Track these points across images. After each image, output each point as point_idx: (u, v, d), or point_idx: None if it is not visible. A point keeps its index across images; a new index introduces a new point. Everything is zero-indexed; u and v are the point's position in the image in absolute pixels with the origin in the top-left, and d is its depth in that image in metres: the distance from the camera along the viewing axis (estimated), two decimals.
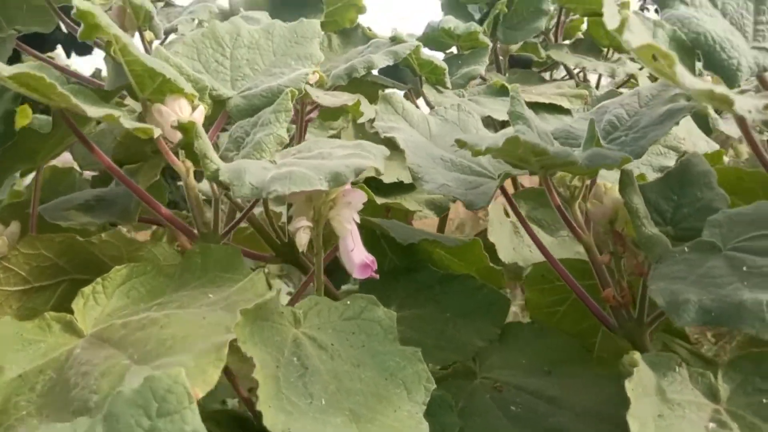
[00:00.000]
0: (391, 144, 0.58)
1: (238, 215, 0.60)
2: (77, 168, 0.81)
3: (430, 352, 0.57)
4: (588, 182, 0.55)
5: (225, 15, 0.89)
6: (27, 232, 0.57)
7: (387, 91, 0.64)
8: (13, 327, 0.43)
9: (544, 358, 0.61)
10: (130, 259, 0.51)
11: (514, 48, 1.18)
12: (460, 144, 0.49)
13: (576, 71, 1.21)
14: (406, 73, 0.98)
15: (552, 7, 1.01)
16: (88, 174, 0.85)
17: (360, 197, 0.54)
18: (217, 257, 0.49)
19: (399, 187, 0.76)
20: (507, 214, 0.84)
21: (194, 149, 0.49)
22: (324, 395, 0.38)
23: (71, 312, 0.56)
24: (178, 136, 0.49)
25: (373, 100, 0.82)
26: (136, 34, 0.77)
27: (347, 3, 0.99)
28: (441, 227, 0.96)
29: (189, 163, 0.53)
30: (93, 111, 0.37)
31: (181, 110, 0.50)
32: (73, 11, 0.45)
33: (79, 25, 0.48)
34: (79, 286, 0.55)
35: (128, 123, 0.41)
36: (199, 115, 0.51)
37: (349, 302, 0.48)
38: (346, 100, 0.62)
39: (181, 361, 0.34)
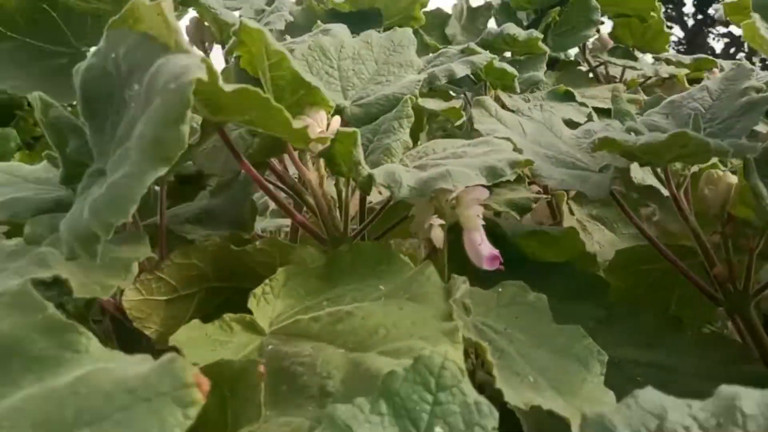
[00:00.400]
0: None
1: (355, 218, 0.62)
2: None
3: None
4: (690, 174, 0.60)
5: (291, 26, 0.92)
6: (156, 242, 0.59)
7: (479, 97, 0.68)
8: (200, 330, 0.45)
9: (642, 333, 0.66)
10: (282, 263, 0.53)
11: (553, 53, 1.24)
12: (605, 143, 0.53)
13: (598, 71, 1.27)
14: (465, 79, 1.02)
15: (599, 17, 1.07)
16: None
17: (483, 193, 0.58)
18: (367, 254, 0.51)
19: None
20: (572, 212, 0.89)
21: (342, 158, 0.51)
22: (527, 374, 0.41)
23: (211, 318, 0.59)
24: (320, 147, 0.52)
25: None
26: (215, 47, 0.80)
27: (405, 16, 1.03)
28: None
29: (322, 171, 0.56)
30: (297, 123, 0.40)
31: (322, 121, 0.52)
32: (233, 28, 0.48)
33: None
34: (215, 293, 0.58)
35: (313, 133, 0.44)
36: (337, 125, 0.54)
37: (500, 289, 0.51)
38: (453, 103, 0.65)
39: (416, 346, 0.36)
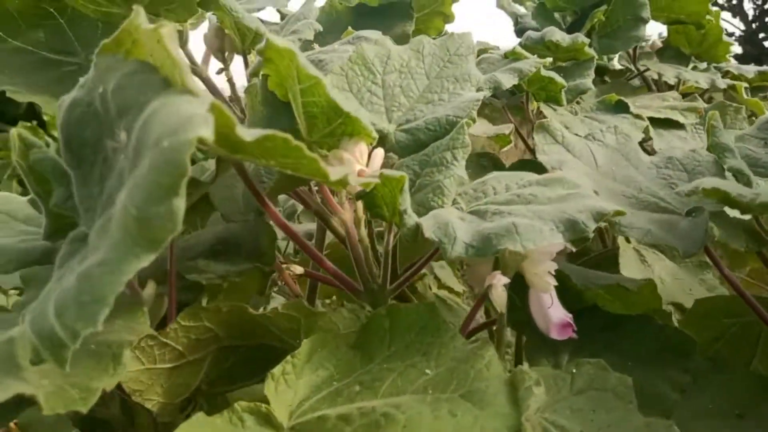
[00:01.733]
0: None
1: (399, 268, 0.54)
2: None
3: None
4: None
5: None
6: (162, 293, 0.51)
7: (543, 119, 0.58)
8: (205, 426, 0.37)
9: (732, 400, 0.56)
10: (308, 330, 0.44)
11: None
12: (715, 194, 0.43)
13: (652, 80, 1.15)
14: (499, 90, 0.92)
15: (649, 15, 0.94)
16: None
17: (559, 246, 0.48)
18: (409, 319, 0.42)
19: None
20: (627, 240, 0.78)
21: (383, 200, 0.43)
22: None
23: (220, 386, 0.50)
24: (359, 187, 0.43)
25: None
26: (236, 57, 0.71)
27: (434, 10, 0.93)
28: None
29: (360, 213, 0.47)
30: (335, 173, 0.31)
31: (361, 156, 0.43)
32: (259, 47, 0.39)
33: None
34: (226, 354, 0.49)
35: (354, 180, 0.35)
36: (379, 160, 0.45)
37: (574, 370, 0.42)
38: (503, 128, 0.55)
39: None
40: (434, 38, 0.58)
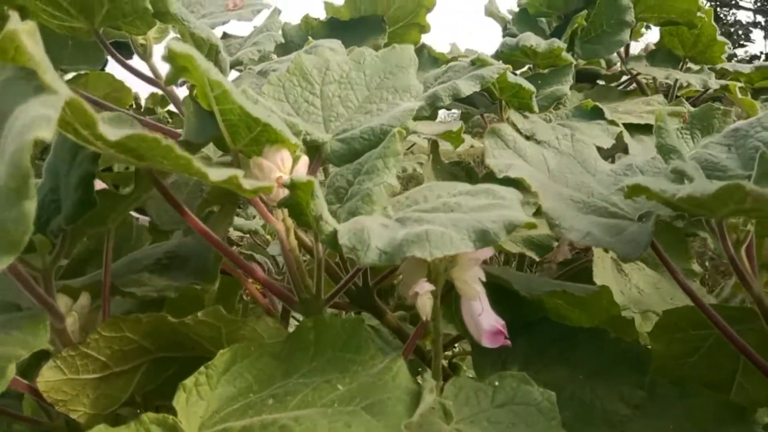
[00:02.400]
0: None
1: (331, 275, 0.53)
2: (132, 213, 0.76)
3: (572, 427, 0.50)
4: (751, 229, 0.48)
5: (285, 46, 0.83)
6: (97, 303, 0.51)
7: (495, 124, 0.57)
8: None
9: (694, 422, 0.54)
10: (230, 339, 0.44)
11: (581, 62, 1.11)
12: (636, 190, 0.42)
13: (645, 83, 1.13)
14: (478, 97, 0.91)
15: (633, 18, 0.93)
16: (143, 219, 0.79)
17: (487, 252, 0.47)
18: (334, 333, 0.41)
19: None
20: (605, 250, 0.76)
21: (303, 209, 0.42)
22: None
23: (154, 397, 0.50)
24: (280, 195, 0.43)
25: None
26: None
27: (409, 22, 0.93)
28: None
29: (289, 222, 0.47)
30: (215, 174, 0.31)
31: (283, 163, 0.43)
32: (163, 54, 0.39)
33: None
34: (161, 366, 0.49)
35: (248, 183, 0.34)
36: (303, 167, 0.45)
37: (497, 383, 0.40)
38: (450, 126, 0.55)
39: None
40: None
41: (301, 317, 0.52)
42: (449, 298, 0.59)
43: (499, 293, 0.64)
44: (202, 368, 0.40)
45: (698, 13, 1.00)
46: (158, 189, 0.42)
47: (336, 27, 0.87)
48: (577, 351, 0.55)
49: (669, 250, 0.74)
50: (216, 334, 0.44)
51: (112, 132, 0.28)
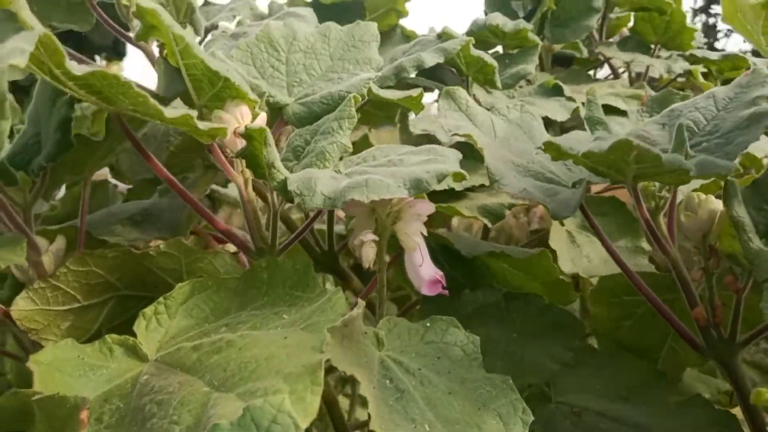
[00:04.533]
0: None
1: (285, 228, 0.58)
2: (111, 180, 0.80)
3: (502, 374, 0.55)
4: (671, 196, 0.53)
5: (264, 16, 0.87)
6: (72, 248, 0.55)
7: (450, 87, 0.62)
8: (74, 350, 0.41)
9: (619, 383, 0.59)
10: (189, 271, 0.49)
11: (558, 46, 1.15)
12: (549, 147, 0.47)
13: (621, 70, 1.18)
14: (447, 75, 0.95)
15: (602, 4, 0.98)
16: (122, 187, 0.84)
17: (428, 208, 0.52)
18: (285, 273, 0.46)
19: (448, 193, 0.74)
20: (561, 223, 0.82)
21: (258, 159, 0.47)
22: (425, 422, 0.35)
23: (121, 331, 0.55)
24: (238, 145, 0.48)
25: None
26: None
27: (388, 8, 0.98)
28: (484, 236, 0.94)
29: (248, 174, 0.51)
30: (169, 113, 0.35)
31: (242, 117, 0.48)
32: (132, 9, 0.44)
33: (120, 23, 0.46)
34: (128, 303, 0.54)
35: (202, 124, 0.39)
36: (262, 122, 0.49)
37: (428, 324, 0.46)
38: (411, 92, 0.59)
39: (272, 387, 0.31)
40: None
41: None
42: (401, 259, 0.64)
43: (451, 258, 0.69)
44: (161, 298, 0.45)
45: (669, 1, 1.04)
46: (128, 137, 0.46)
47: (318, 8, 0.91)
48: (513, 313, 0.61)
49: (620, 229, 0.80)
50: (177, 266, 0.48)
51: (77, 68, 0.32)
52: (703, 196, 0.49)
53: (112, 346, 0.42)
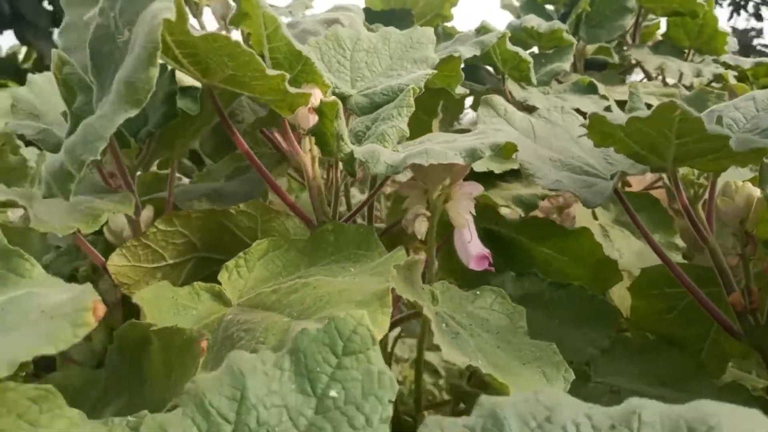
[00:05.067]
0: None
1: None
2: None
3: None
4: (709, 183, 0.56)
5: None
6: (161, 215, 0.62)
7: (487, 95, 0.67)
8: (169, 291, 0.47)
9: (656, 370, 0.61)
10: (264, 230, 0.54)
11: (590, 51, 1.18)
12: (594, 120, 0.50)
13: (654, 75, 1.19)
14: (484, 75, 1.00)
15: (635, 4, 1.02)
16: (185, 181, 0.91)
17: (477, 188, 0.57)
18: (350, 235, 0.51)
19: (483, 183, 0.77)
20: (595, 217, 0.84)
21: (327, 135, 0.53)
22: (478, 358, 0.39)
23: None
24: (310, 122, 0.53)
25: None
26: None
27: (435, 14, 1.04)
28: None
29: (315, 152, 0.57)
30: (270, 71, 0.41)
31: (315, 98, 0.54)
32: None
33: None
34: (206, 265, 0.59)
35: (292, 88, 0.45)
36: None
37: (478, 293, 0.50)
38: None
39: (348, 310, 0.36)
40: None
41: None
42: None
43: (494, 243, 0.73)
44: (241, 254, 0.50)
45: (699, 1, 1.04)
46: (218, 112, 0.53)
47: (369, 14, 0.98)
48: (555, 301, 0.64)
49: (655, 225, 0.82)
50: (253, 224, 0.54)
51: (194, 31, 0.39)
52: (740, 182, 0.52)
53: (200, 291, 0.48)
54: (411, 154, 0.47)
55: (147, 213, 0.60)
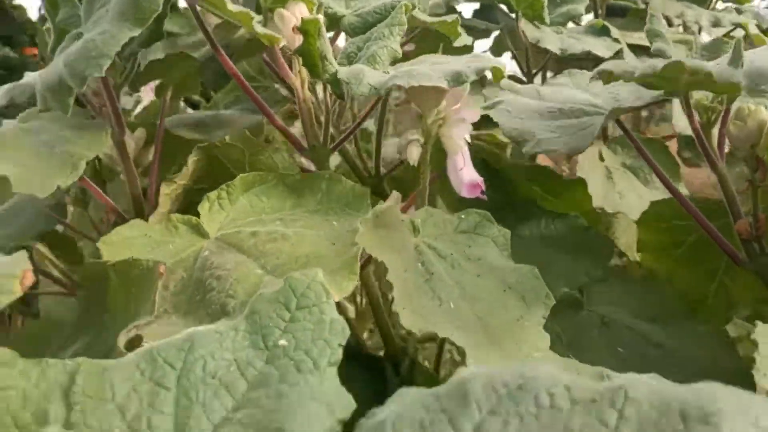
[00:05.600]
0: None
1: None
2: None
3: None
4: (723, 109, 0.51)
5: None
6: (151, 142, 0.60)
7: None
8: (141, 229, 0.45)
9: (650, 305, 0.58)
10: (252, 163, 0.51)
11: None
12: (603, 74, 0.46)
13: (677, 23, 1.11)
14: (498, 14, 0.93)
15: None
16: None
17: (473, 115, 0.52)
18: (342, 190, 0.47)
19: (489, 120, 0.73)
20: (601, 158, 0.80)
21: (312, 56, 0.49)
22: (451, 299, 0.37)
23: None
24: (296, 42, 0.49)
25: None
26: None
27: None
28: None
29: (304, 74, 0.53)
30: (232, 6, 0.38)
31: (301, 15, 0.50)
32: None
33: None
34: (191, 195, 0.58)
35: (259, 28, 0.41)
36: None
37: (463, 216, 0.47)
38: (447, 17, 0.59)
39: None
40: None
41: None
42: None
43: (491, 179, 0.69)
44: (224, 185, 0.48)
45: None
46: (205, 36, 0.49)
47: None
48: (551, 231, 0.61)
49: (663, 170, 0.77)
50: (241, 157, 0.51)
51: None
52: (753, 106, 0.47)
53: (177, 224, 0.45)
54: (395, 75, 0.43)
55: (139, 134, 0.57)
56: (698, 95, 0.49)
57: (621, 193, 0.72)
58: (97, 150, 0.44)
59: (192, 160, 0.51)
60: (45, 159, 0.42)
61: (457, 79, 0.40)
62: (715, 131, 0.50)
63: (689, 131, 0.66)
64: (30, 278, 0.26)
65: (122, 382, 0.26)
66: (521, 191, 0.66)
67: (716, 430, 0.17)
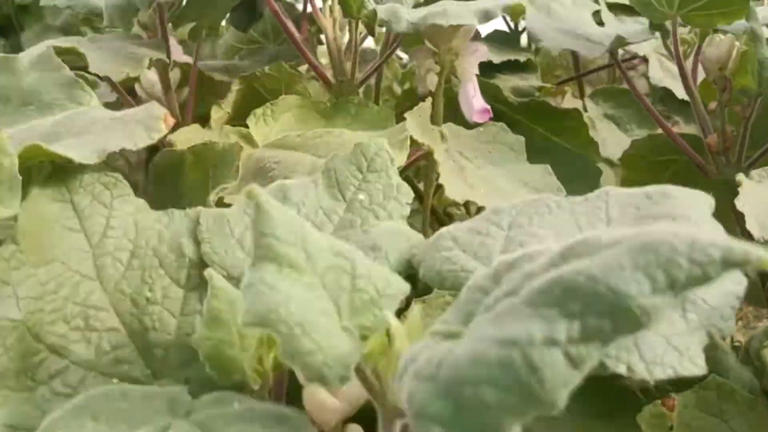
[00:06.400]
0: None
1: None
2: None
3: None
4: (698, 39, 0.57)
5: None
6: (185, 83, 0.64)
7: None
8: (198, 133, 0.50)
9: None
10: (288, 91, 0.56)
11: None
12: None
13: None
14: None
15: None
16: None
17: (483, 49, 0.58)
18: (370, 114, 0.53)
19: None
20: (585, 110, 0.85)
21: None
22: (482, 187, 0.43)
23: None
24: None
25: None
26: None
27: None
28: None
29: (337, 14, 0.57)
30: None
31: None
32: None
33: None
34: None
35: None
36: None
37: (482, 129, 0.52)
38: None
39: None
40: None
41: None
42: None
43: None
44: (268, 104, 0.52)
45: None
46: None
47: None
48: (548, 157, 0.67)
49: (639, 121, 0.83)
50: (278, 86, 0.56)
51: None
52: (723, 36, 0.54)
53: (229, 133, 0.50)
54: (431, 13, 0.48)
55: (174, 75, 0.61)
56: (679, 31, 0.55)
57: (603, 141, 0.78)
58: (159, 55, 0.48)
59: (235, 89, 0.56)
60: (113, 56, 0.46)
61: (486, 16, 0.45)
62: (689, 62, 0.56)
63: (664, 83, 0.74)
64: (171, 120, 0.30)
65: (236, 222, 0.31)
66: (524, 132, 0.71)
67: (672, 200, 0.25)
